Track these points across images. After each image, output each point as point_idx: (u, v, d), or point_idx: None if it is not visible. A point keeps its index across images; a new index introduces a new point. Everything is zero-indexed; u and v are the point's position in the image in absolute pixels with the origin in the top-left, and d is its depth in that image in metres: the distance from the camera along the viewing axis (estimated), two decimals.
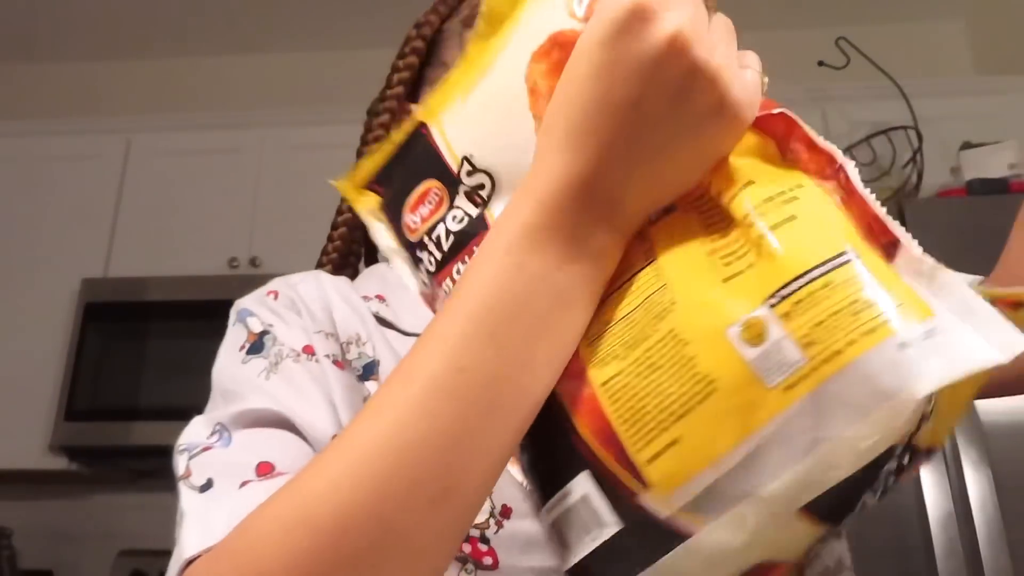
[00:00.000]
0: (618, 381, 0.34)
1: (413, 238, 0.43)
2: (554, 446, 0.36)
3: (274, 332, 0.55)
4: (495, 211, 0.40)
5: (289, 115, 2.39)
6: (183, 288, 2.16)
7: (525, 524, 0.51)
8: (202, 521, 0.42)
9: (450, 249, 0.41)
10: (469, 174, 0.41)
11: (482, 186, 0.41)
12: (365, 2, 2.48)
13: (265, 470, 0.45)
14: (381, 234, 0.46)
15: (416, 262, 0.44)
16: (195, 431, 0.51)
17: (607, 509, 0.34)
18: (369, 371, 0.57)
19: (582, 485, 0.35)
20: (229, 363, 0.55)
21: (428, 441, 0.33)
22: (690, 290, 0.34)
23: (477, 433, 0.34)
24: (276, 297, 0.59)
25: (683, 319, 0.33)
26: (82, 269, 2.24)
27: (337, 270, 0.71)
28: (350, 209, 0.70)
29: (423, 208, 0.42)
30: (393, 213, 0.45)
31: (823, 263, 0.31)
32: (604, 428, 0.34)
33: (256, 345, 0.55)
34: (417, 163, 0.44)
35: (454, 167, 0.41)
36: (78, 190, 2.35)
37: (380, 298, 0.63)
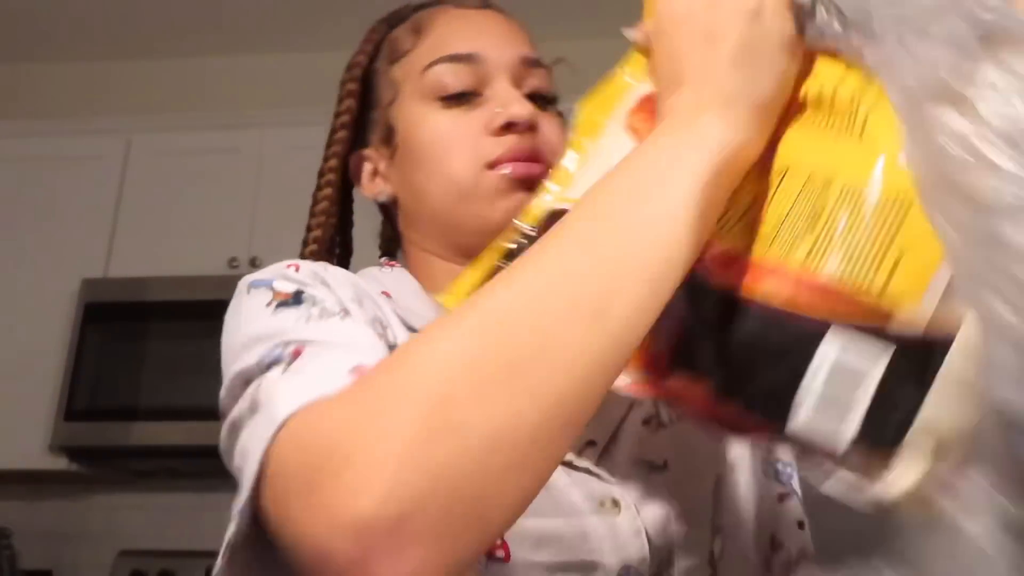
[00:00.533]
0: (817, 249, 0.40)
1: None
2: (777, 354, 0.40)
3: (310, 292, 0.53)
4: None
5: (289, 115, 2.38)
6: (183, 288, 2.16)
7: (536, 521, 0.51)
8: (296, 383, 0.42)
9: None
10: None
11: None
12: (365, 3, 2.48)
13: (361, 373, 0.43)
14: None
15: None
16: (258, 352, 0.48)
17: (863, 357, 0.37)
18: None
19: (825, 355, 0.38)
20: (257, 318, 0.52)
21: (584, 263, 0.39)
22: (834, 161, 0.42)
23: (630, 263, 0.39)
24: (298, 270, 0.57)
25: (846, 177, 0.40)
26: (82, 269, 2.24)
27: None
28: (324, 212, 0.71)
29: None
30: None
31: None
32: (825, 291, 0.39)
33: (288, 303, 0.52)
34: None
35: None
36: (78, 190, 2.35)
37: (387, 295, 0.63)
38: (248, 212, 2.30)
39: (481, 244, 0.64)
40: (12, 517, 2.27)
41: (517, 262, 0.41)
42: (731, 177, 0.43)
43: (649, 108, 0.49)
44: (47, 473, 2.20)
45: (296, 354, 0.46)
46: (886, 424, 0.36)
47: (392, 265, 0.69)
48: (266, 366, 0.46)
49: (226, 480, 0.50)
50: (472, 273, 0.53)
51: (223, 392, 0.51)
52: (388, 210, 0.72)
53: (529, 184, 0.62)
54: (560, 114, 0.69)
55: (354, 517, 0.33)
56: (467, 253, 0.65)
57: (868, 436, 0.37)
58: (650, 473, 0.59)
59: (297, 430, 0.39)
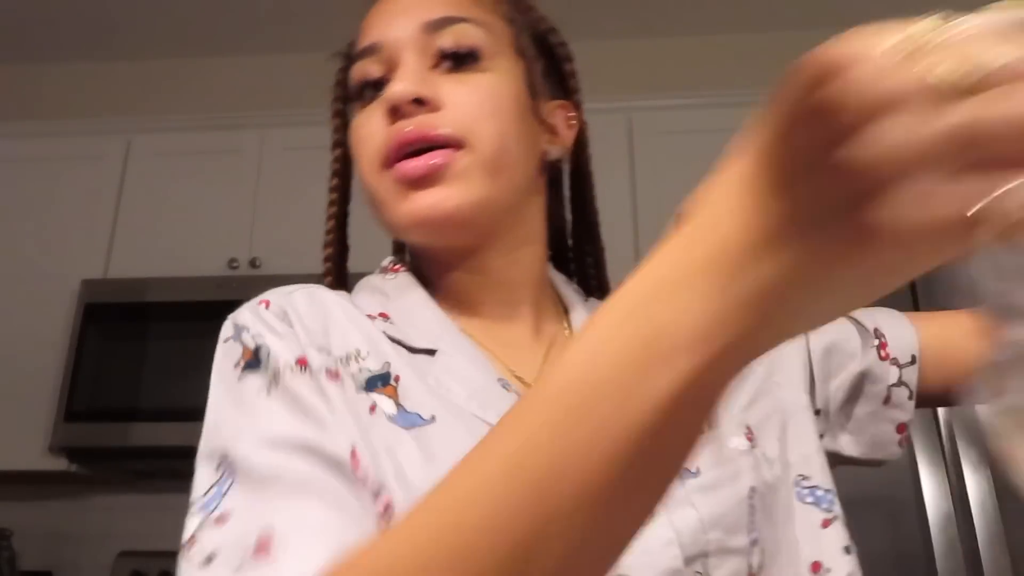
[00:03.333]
0: None
1: None
2: None
3: (267, 346, 0.53)
4: None
5: (289, 116, 2.39)
6: (183, 289, 2.16)
7: None
8: None
9: None
10: None
11: None
12: (365, 4, 2.48)
13: (263, 545, 0.43)
14: None
15: None
16: (202, 481, 0.49)
17: None
18: (372, 385, 0.55)
19: None
20: (225, 385, 0.53)
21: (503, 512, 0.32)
22: None
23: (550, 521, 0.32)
24: (268, 307, 0.56)
25: None
26: (82, 270, 2.24)
27: (339, 271, 0.71)
28: (335, 213, 0.70)
29: None
30: None
31: None
32: None
33: (252, 363, 0.53)
34: None
35: None
36: (78, 191, 2.35)
37: (384, 316, 0.61)
38: (248, 213, 2.30)
39: (419, 251, 0.64)
40: (12, 518, 2.27)
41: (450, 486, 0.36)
42: None
43: None
44: (47, 474, 2.19)
45: (220, 521, 0.46)
46: None
47: (396, 270, 0.67)
48: (205, 508, 0.47)
49: None
50: None
51: (201, 450, 0.52)
52: None
53: (422, 181, 0.58)
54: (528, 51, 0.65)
55: None
56: (430, 256, 0.65)
57: None
58: (680, 478, 0.54)
59: None
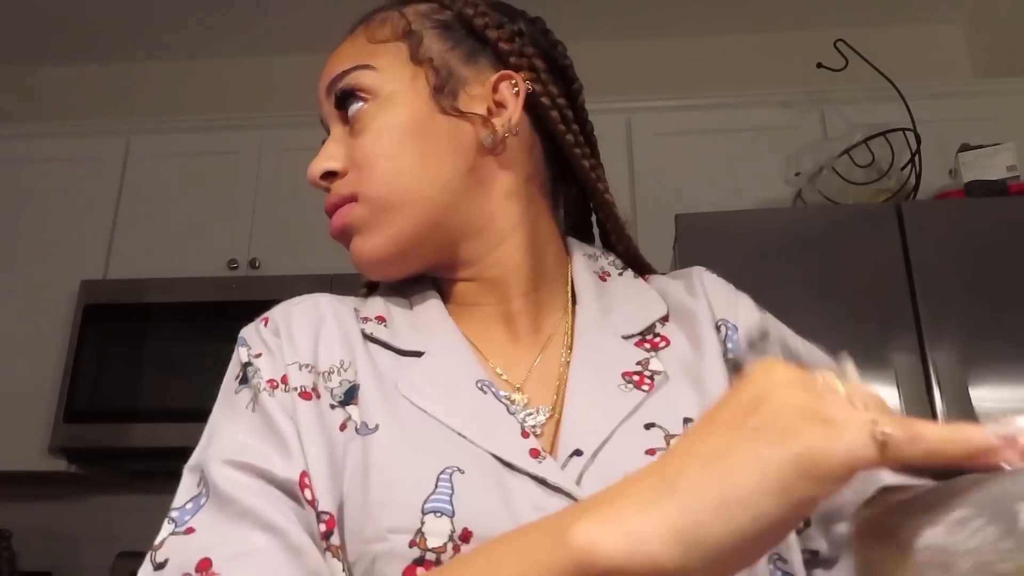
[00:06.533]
0: None
1: None
2: None
3: (256, 363, 0.58)
4: None
5: (288, 117, 2.39)
6: (182, 290, 2.16)
7: None
8: None
9: None
10: None
11: None
12: (365, 5, 2.48)
13: (203, 567, 0.47)
14: None
15: None
16: (185, 491, 0.53)
17: None
18: (351, 396, 0.58)
19: None
20: (224, 396, 0.58)
21: None
22: None
23: None
24: (266, 324, 0.61)
25: None
26: (81, 271, 2.24)
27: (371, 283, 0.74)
28: None
29: None
30: None
31: None
32: None
33: (242, 376, 0.58)
34: None
35: None
36: (78, 192, 2.35)
37: (381, 319, 0.64)
38: (247, 214, 2.30)
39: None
40: (11, 518, 2.27)
41: None
42: None
43: None
44: (46, 474, 2.20)
45: (189, 532, 0.50)
46: None
47: (420, 277, 0.68)
48: (179, 518, 0.51)
49: None
50: None
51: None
52: None
53: (342, 238, 0.65)
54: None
55: None
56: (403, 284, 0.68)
57: None
58: None
59: None
